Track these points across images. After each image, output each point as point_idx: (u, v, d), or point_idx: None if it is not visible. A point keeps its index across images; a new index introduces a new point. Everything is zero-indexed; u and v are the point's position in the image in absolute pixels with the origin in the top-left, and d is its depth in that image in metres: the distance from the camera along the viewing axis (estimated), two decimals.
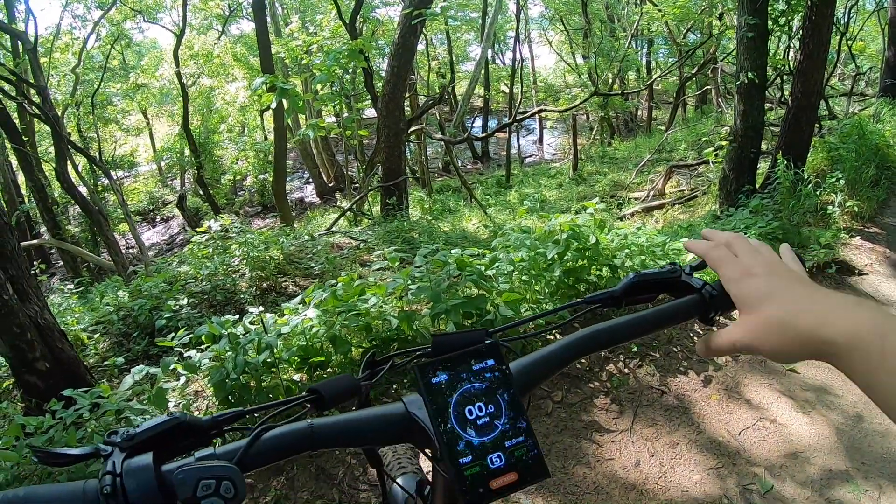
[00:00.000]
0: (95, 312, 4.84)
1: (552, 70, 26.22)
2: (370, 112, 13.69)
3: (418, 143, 12.82)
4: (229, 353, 2.52)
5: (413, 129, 9.52)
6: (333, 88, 11.04)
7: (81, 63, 12.47)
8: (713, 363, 3.11)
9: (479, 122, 20.41)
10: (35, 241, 10.69)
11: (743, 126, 5.82)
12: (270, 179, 11.91)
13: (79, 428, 2.30)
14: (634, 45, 17.04)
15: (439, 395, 0.50)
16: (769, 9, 5.73)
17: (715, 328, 0.55)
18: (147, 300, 4.58)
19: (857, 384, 0.42)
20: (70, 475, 2.03)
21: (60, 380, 2.89)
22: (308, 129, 7.83)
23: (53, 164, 9.60)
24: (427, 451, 0.53)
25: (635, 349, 3.08)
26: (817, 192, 5.17)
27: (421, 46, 14.10)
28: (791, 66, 8.04)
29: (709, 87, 16.29)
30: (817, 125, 7.83)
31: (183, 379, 2.84)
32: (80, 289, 6.46)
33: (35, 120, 10.69)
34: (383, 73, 8.00)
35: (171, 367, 2.54)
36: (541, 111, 15.31)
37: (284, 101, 6.11)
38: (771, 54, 7.26)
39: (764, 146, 6.69)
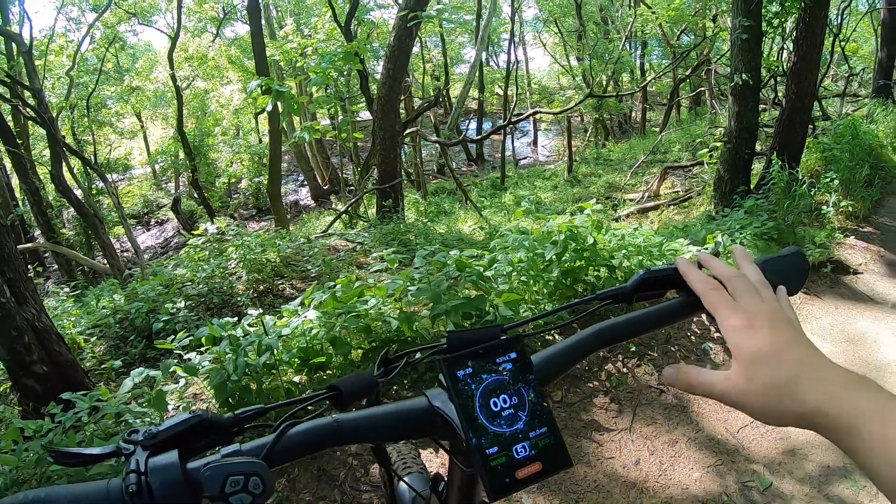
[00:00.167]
0: (92, 316, 4.81)
1: (546, 72, 26.24)
2: (365, 114, 13.72)
3: (413, 145, 12.83)
4: (230, 355, 2.51)
5: (408, 131, 9.52)
6: (328, 91, 11.05)
7: (76, 66, 12.42)
8: (711, 362, 3.13)
9: (473, 125, 20.41)
10: (30, 245, 10.58)
11: (737, 127, 5.85)
12: (265, 182, 11.87)
13: (78, 431, 2.29)
14: (628, 47, 17.07)
15: (464, 387, 0.51)
16: (763, 11, 5.77)
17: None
18: (144, 303, 4.55)
19: (855, 463, 0.42)
20: (69, 478, 2.02)
21: (58, 383, 2.88)
22: (303, 132, 7.83)
23: (48, 167, 9.54)
24: (445, 444, 0.54)
25: (633, 349, 3.09)
26: (812, 193, 5.21)
27: (415, 49, 14.14)
28: (785, 67, 8.09)
29: (703, 88, 16.37)
30: (811, 126, 7.90)
31: (182, 381, 2.83)
32: (76, 292, 6.41)
33: (30, 123, 10.62)
34: (378, 76, 7.99)
35: (171, 369, 2.53)
36: (535, 113, 15.31)
37: (279, 104, 6.11)
38: (765, 56, 7.29)
39: (758, 147, 6.73)
